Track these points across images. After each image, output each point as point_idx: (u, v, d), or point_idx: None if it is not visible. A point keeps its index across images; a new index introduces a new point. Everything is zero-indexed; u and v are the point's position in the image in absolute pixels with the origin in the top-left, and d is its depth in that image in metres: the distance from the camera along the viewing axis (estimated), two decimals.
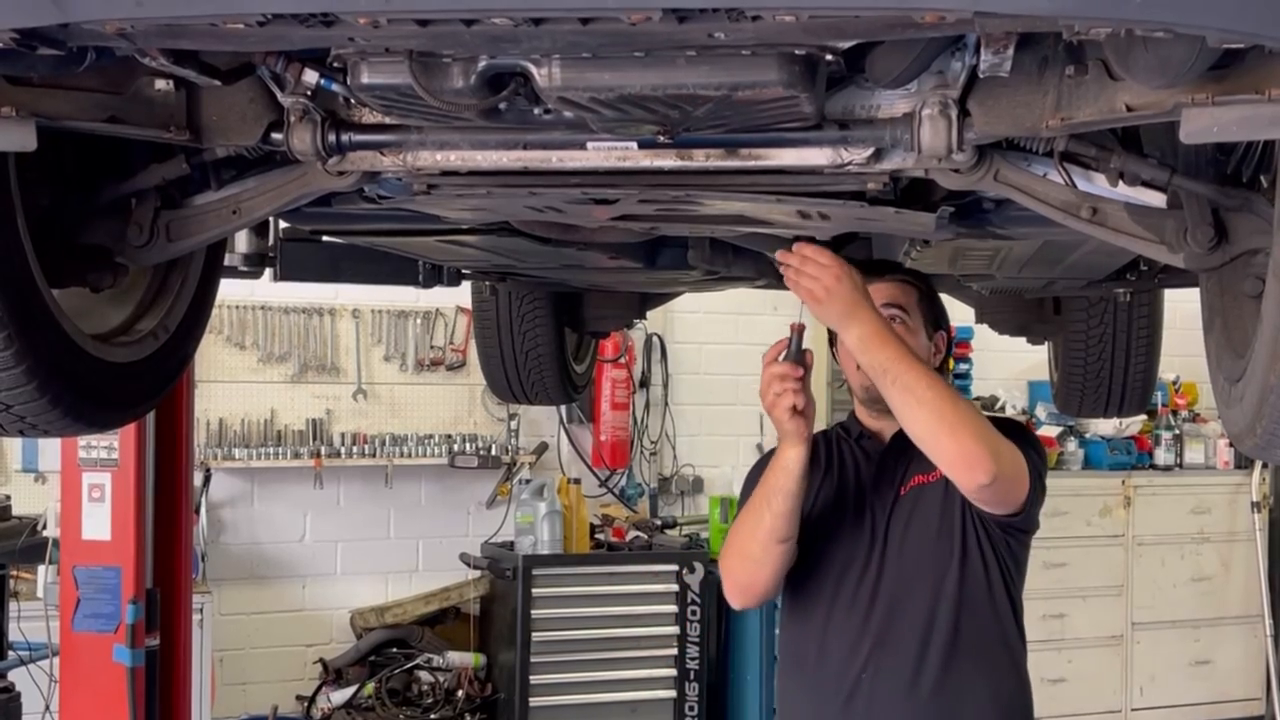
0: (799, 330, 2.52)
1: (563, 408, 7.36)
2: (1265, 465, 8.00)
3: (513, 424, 7.45)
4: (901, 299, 2.73)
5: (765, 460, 2.69)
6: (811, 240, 2.52)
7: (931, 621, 2.59)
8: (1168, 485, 8.22)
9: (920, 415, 2.42)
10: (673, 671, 6.91)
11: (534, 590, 6.71)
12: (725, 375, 7.86)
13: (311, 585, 7.24)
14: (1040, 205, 2.06)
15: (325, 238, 3.51)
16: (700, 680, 6.92)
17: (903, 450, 2.60)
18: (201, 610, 5.82)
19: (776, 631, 6.36)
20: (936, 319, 2.80)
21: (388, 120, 2.02)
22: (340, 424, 7.23)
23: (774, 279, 3.57)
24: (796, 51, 1.69)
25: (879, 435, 2.75)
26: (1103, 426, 8.05)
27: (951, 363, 3.08)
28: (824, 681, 2.65)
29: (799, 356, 2.51)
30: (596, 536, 7.27)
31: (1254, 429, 1.84)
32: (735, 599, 2.72)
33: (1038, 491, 2.63)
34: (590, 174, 2.13)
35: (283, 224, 3.52)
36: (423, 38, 1.62)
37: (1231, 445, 8.10)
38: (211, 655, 6.21)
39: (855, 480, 2.73)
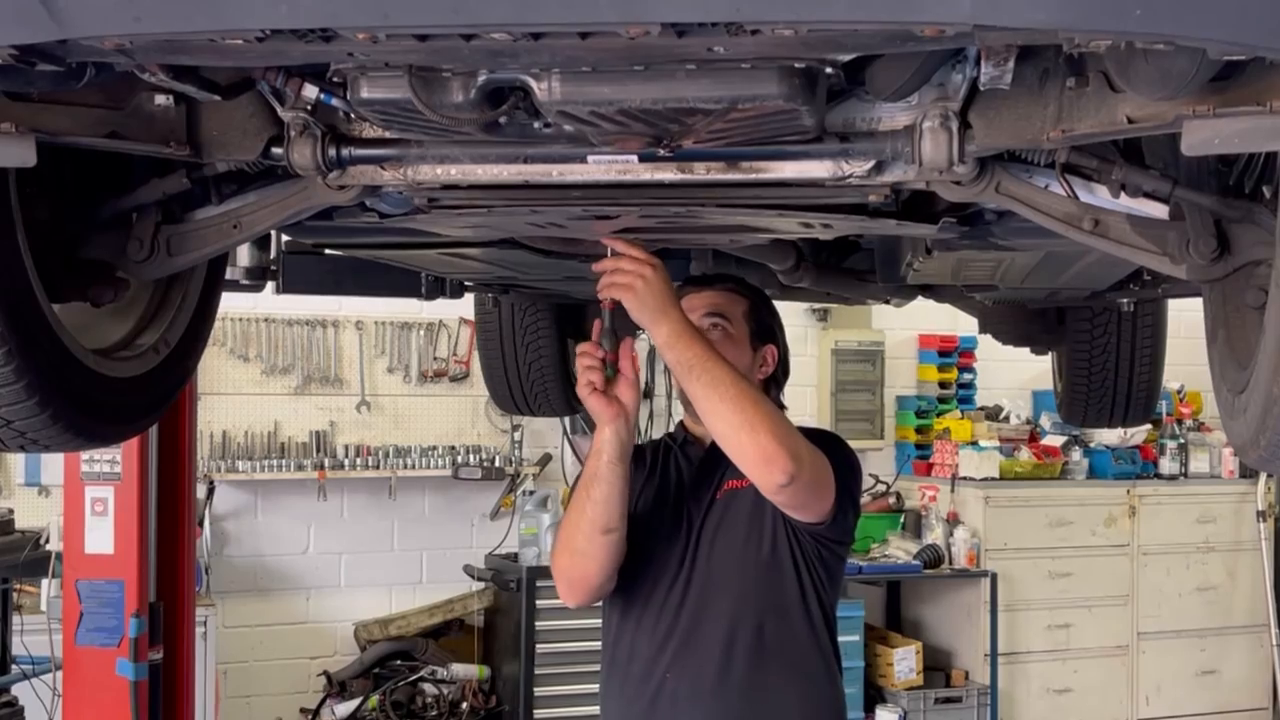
0: (611, 308, 2.51)
1: (566, 419, 7.35)
2: (1270, 475, 7.98)
3: (516, 435, 7.45)
4: (725, 308, 2.77)
5: None
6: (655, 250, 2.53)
7: (736, 624, 2.63)
8: (1173, 495, 8.20)
9: (722, 412, 2.44)
10: None
11: (538, 602, 6.70)
12: None
13: (315, 597, 7.23)
14: (1042, 217, 2.06)
15: (328, 250, 3.51)
16: None
17: (721, 455, 2.60)
18: (205, 623, 5.83)
19: None
20: (765, 333, 2.82)
21: (388, 135, 2.01)
22: (344, 436, 7.24)
23: (776, 290, 3.58)
24: (796, 65, 1.68)
25: (701, 441, 2.78)
26: (1107, 436, 8.04)
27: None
28: (632, 682, 2.69)
29: (609, 336, 2.51)
30: None
31: (1258, 440, 1.83)
32: (567, 596, 2.69)
33: (845, 502, 2.64)
34: (591, 188, 2.13)
35: (285, 237, 3.53)
36: (422, 52, 1.62)
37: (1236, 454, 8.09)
38: (215, 668, 6.21)
39: (675, 485, 2.77)
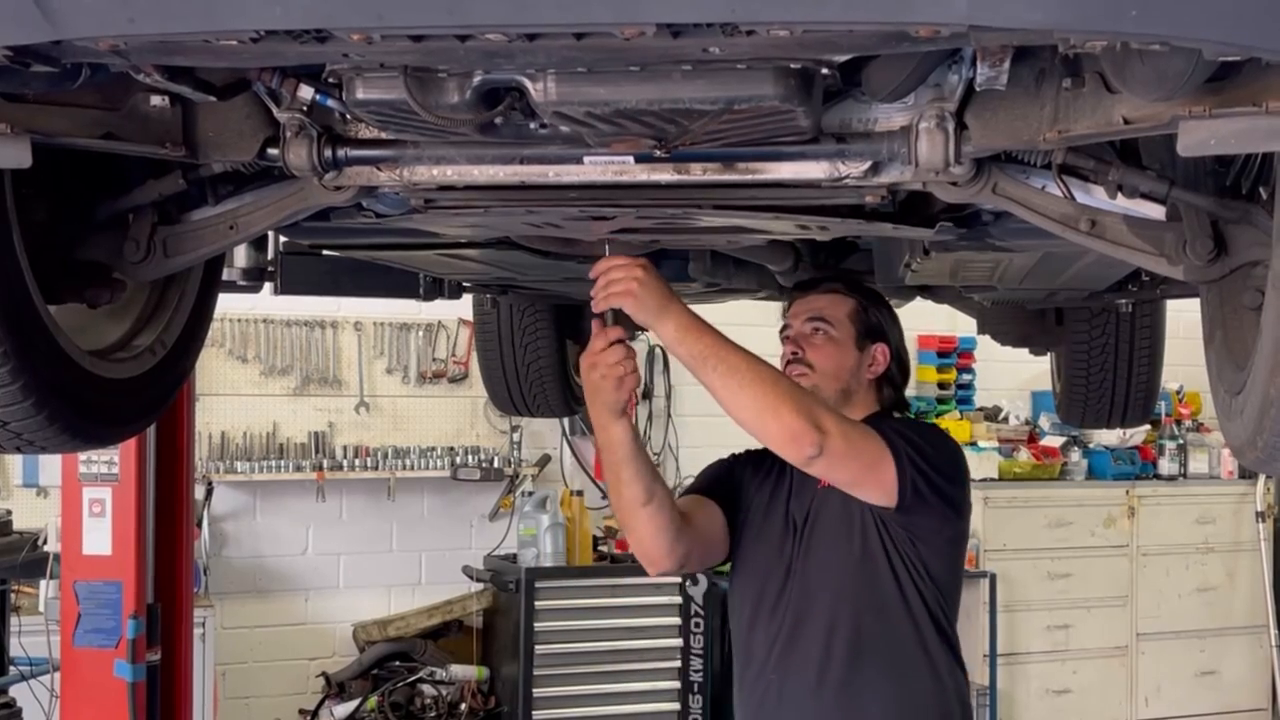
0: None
1: (565, 420, 7.35)
2: (1269, 475, 7.98)
3: (515, 436, 7.45)
4: (828, 311, 2.80)
5: (726, 460, 2.85)
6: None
7: (834, 623, 2.65)
8: (1172, 495, 8.21)
9: (742, 399, 2.42)
10: (676, 684, 6.89)
11: (537, 603, 6.70)
12: None
13: (314, 598, 7.23)
14: (1039, 218, 2.05)
15: (325, 251, 3.51)
16: (704, 693, 6.90)
17: None
18: (204, 624, 5.82)
19: None
20: (873, 332, 2.83)
21: (384, 135, 2.01)
22: (342, 437, 7.23)
23: (775, 290, 3.57)
24: (792, 65, 1.68)
25: None
26: (1106, 437, 8.04)
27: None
28: (748, 681, 2.74)
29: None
30: (599, 549, 7.26)
31: (1255, 442, 1.83)
32: (647, 567, 2.74)
33: (914, 481, 2.57)
34: (587, 188, 2.13)
35: (282, 238, 3.52)
36: (417, 53, 1.62)
37: None
38: (214, 669, 6.21)
39: (787, 488, 2.80)
